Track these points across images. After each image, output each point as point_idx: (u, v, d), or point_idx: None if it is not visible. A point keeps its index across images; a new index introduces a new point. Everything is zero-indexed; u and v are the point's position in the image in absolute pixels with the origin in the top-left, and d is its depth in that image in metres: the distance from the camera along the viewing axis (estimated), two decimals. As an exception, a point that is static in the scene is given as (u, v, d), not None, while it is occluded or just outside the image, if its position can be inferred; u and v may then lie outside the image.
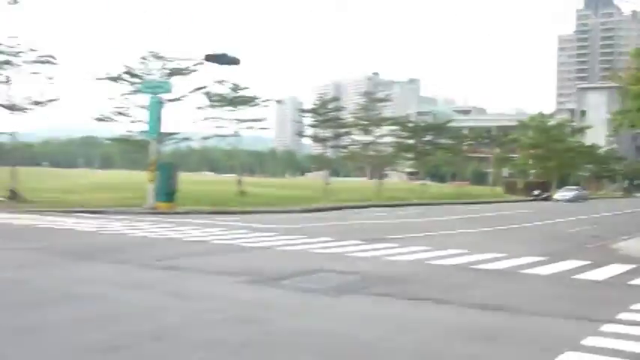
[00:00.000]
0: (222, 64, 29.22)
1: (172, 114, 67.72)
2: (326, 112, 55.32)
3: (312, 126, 56.37)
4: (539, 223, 31.40)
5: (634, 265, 14.93)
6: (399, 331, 7.83)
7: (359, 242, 17.73)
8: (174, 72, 36.85)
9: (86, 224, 21.11)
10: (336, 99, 64.99)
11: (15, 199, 30.21)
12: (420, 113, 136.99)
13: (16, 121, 32.62)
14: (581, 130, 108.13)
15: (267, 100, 45.04)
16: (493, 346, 7.26)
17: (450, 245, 17.71)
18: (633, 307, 9.64)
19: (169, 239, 17.52)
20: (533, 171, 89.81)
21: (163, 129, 35.95)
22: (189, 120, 44.62)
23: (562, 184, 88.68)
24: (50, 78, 32.64)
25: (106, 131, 52.53)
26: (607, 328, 8.14)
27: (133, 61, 37.58)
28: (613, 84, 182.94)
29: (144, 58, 37.12)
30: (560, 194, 69.92)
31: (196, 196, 39.19)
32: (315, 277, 11.55)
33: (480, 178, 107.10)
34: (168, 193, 29.95)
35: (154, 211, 28.87)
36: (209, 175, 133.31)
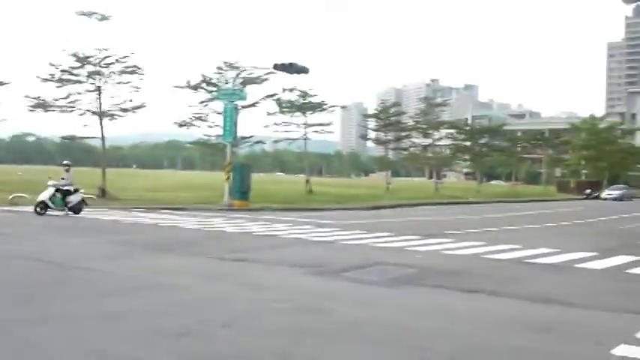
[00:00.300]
0: (291, 73, 29.29)
1: (246, 119, 68.32)
2: (387, 117, 55.12)
3: (375, 130, 56.14)
4: (591, 220, 30.39)
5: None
6: (454, 321, 7.55)
7: (416, 237, 17.40)
8: (248, 81, 37.21)
9: (168, 220, 21.43)
10: (396, 104, 64.69)
11: (104, 196, 30.96)
12: (476, 117, 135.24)
13: (107, 126, 33.51)
14: (631, 132, 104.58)
15: (333, 106, 44.99)
16: (547, 338, 6.90)
17: (504, 241, 17.20)
18: None
19: (242, 234, 17.63)
20: (584, 171, 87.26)
21: (238, 133, 36.52)
22: (261, 124, 44.95)
23: (612, 183, 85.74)
24: (137, 87, 33.49)
25: (188, 136, 53.34)
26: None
27: (209, 71, 38.21)
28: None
29: (220, 68, 37.63)
30: (607, 193, 67.75)
31: (268, 194, 39.48)
32: (374, 269, 11.33)
33: (533, 178, 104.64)
34: (242, 191, 30.31)
35: (230, 208, 29.23)
36: (280, 176, 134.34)
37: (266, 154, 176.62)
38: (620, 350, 6.30)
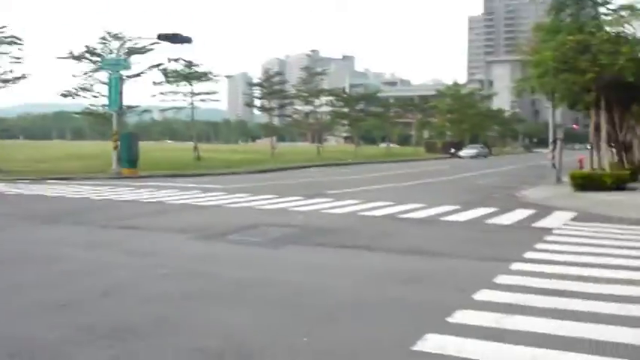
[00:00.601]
0: (175, 43, 28.14)
1: (133, 89, 65.80)
2: (271, 86, 54.48)
3: (260, 98, 55.44)
4: (454, 177, 31.44)
5: (535, 210, 14.90)
6: (334, 277, 7.43)
7: (299, 198, 17.26)
8: (132, 51, 35.42)
9: (54, 190, 20.08)
10: (279, 73, 64.23)
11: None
12: (353, 85, 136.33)
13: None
14: (489, 97, 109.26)
15: (218, 75, 43.81)
16: (417, 288, 6.92)
17: (379, 198, 17.40)
18: (537, 246, 9.48)
19: (129, 201, 16.71)
20: (449, 133, 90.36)
21: (125, 102, 34.88)
22: (148, 94, 43.09)
23: (473, 143, 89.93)
24: (17, 58, 31.08)
25: (76, 106, 50.30)
26: (516, 266, 7.92)
27: (93, 41, 36.09)
28: (515, 57, 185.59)
29: (103, 39, 35.59)
30: (464, 152, 68.40)
31: (158, 162, 38.06)
32: (258, 231, 11.05)
33: (405, 140, 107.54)
34: (130, 160, 29.04)
35: (119, 176, 27.94)
36: (170, 144, 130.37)
37: (155, 123, 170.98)
38: (481, 295, 6.41)
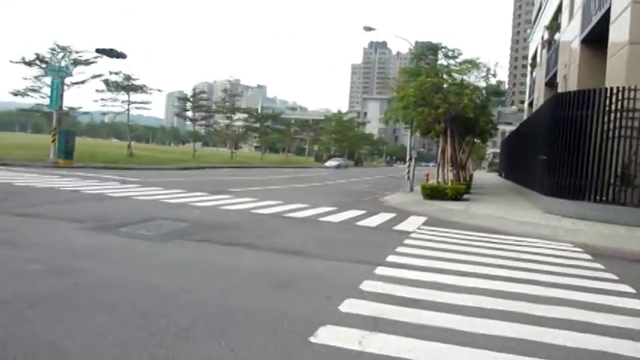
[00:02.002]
0: (111, 56, 25.09)
1: (77, 94, 60.06)
2: (197, 101, 51.44)
3: (187, 110, 52.10)
4: (333, 182, 30.39)
5: (395, 214, 13.78)
6: (207, 277, 5.63)
7: (203, 194, 15.25)
8: (77, 62, 31.64)
9: (-18, 174, 16.84)
10: (203, 92, 60.66)
11: None
12: (264, 108, 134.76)
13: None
14: (363, 124, 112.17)
15: (152, 89, 40.37)
16: (286, 294, 5.23)
17: (272, 197, 15.73)
18: (398, 249, 8.15)
19: (48, 188, 13.95)
20: (333, 148, 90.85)
21: (70, 105, 31.18)
22: (91, 99, 38.98)
23: (351, 157, 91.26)
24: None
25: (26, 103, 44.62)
26: (380, 271, 6.49)
27: (43, 50, 31.97)
28: (383, 97, 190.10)
29: (52, 49, 31.54)
30: (328, 163, 63.07)
31: (96, 155, 34.46)
32: (152, 224, 9.00)
33: (300, 152, 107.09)
34: (67, 151, 25.85)
35: (55, 166, 24.64)
36: (115, 142, 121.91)
37: (105, 125, 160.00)
38: (346, 306, 4.87)
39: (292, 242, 8.26)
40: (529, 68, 39.40)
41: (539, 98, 31.50)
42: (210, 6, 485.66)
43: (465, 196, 19.17)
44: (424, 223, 12.01)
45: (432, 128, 19.68)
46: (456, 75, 20.58)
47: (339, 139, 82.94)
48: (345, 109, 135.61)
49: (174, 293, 4.95)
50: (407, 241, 9.03)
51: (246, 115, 65.72)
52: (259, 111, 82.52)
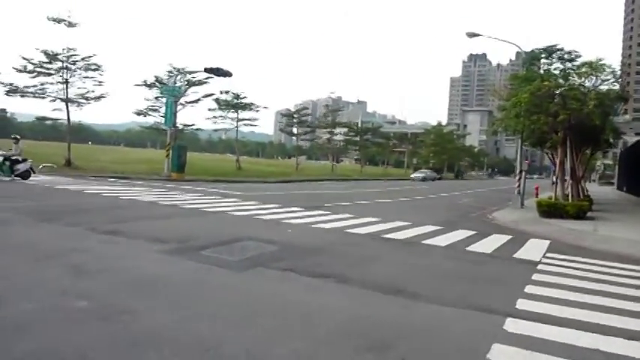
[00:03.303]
0: (217, 75, 25.12)
1: (191, 112, 62.96)
2: (299, 117, 51.47)
3: (290, 125, 52.36)
4: (436, 195, 27.94)
5: (511, 236, 11.46)
6: (281, 330, 4.15)
7: (299, 209, 13.99)
8: (191, 83, 32.62)
9: (97, 188, 17.06)
10: (305, 108, 60.82)
11: (69, 166, 26.15)
12: (364, 122, 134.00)
13: (85, 111, 28.54)
14: (463, 136, 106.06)
15: (259, 106, 40.76)
16: (384, 366, 3.63)
17: (370, 213, 14.06)
18: (528, 289, 6.09)
19: (149, 203, 13.34)
20: (432, 161, 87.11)
21: (183, 122, 32.20)
22: (204, 117, 40.23)
23: (450, 169, 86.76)
24: (100, 81, 28.41)
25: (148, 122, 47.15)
26: (511, 325, 4.60)
27: (160, 72, 33.45)
28: (483, 108, 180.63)
29: (170, 72, 32.84)
30: (414, 175, 56.29)
31: (207, 168, 35.35)
32: (238, 246, 7.76)
33: (399, 164, 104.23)
34: (179, 165, 26.33)
35: (168, 179, 25.12)
36: (229, 157, 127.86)
37: (221, 141, 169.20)
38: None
39: (391, 275, 6.54)
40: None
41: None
42: (312, 27, 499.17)
43: (589, 215, 16.03)
44: (549, 250, 9.63)
45: (548, 138, 16.76)
46: (574, 79, 17.54)
47: (438, 152, 79.23)
48: (444, 122, 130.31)
49: (233, 356, 3.50)
50: (536, 277, 6.90)
51: (346, 129, 65.13)
52: (359, 125, 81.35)
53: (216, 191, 18.58)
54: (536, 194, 29.46)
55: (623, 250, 10.23)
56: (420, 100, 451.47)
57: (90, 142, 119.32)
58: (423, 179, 53.86)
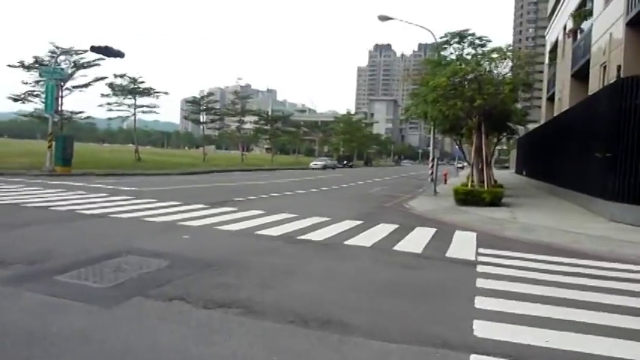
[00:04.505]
0: (107, 55, 22.04)
1: (82, 99, 57.20)
2: (205, 104, 48.47)
3: (196, 113, 49.10)
4: (348, 185, 27.23)
5: (433, 229, 10.62)
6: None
7: (203, 206, 12.16)
8: (78, 65, 28.83)
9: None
10: (212, 94, 57.70)
11: None
12: (274, 111, 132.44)
13: None
14: (371, 125, 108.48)
15: (159, 92, 37.33)
16: None
17: (283, 208, 12.63)
18: (477, 302, 5.02)
19: (11, 205, 10.83)
20: (342, 148, 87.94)
21: (71, 109, 28.45)
22: (94, 104, 36.09)
23: (359, 156, 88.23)
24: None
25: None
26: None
27: (42, 53, 29.15)
28: (389, 97, 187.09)
29: (52, 52, 28.69)
30: (313, 163, 53.93)
31: (100, 161, 31.66)
32: (113, 264, 5.88)
33: (310, 153, 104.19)
34: (64, 158, 22.98)
35: (51, 174, 21.71)
36: (131, 147, 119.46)
37: (122, 131, 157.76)
38: None
39: (314, 295, 5.12)
40: (546, 61, 35.93)
41: (564, 91, 28.12)
42: (219, 15, 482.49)
43: (504, 201, 15.92)
44: (479, 244, 8.83)
45: (463, 124, 16.40)
46: (485, 64, 17.36)
47: (348, 140, 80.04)
48: (352, 110, 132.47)
49: None
50: (480, 283, 5.87)
51: (256, 118, 63.19)
52: (269, 113, 79.58)
53: (105, 187, 16.03)
54: (445, 180, 29.98)
55: (547, 239, 9.78)
56: (329, 89, 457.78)
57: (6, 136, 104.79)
58: (324, 167, 52.60)
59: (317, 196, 18.47)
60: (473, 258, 7.50)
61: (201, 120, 48.97)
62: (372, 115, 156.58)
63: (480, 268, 6.72)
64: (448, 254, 7.75)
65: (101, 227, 8.68)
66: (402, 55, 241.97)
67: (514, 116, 17.67)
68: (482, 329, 4.24)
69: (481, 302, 5.04)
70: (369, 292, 5.36)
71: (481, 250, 8.16)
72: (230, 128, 63.17)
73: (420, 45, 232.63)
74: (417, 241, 8.86)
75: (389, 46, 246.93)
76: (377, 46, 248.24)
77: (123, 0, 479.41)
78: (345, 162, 71.50)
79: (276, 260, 6.70)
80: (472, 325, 4.31)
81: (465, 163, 65.73)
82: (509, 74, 16.19)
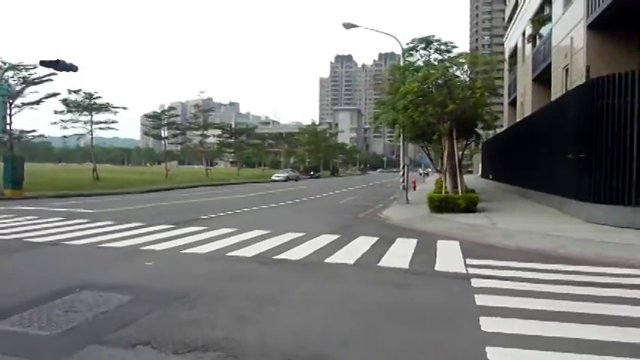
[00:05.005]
0: (59, 70, 20.61)
1: (33, 117, 54.25)
2: (166, 118, 47.03)
3: (156, 128, 47.52)
4: (318, 196, 26.65)
5: (414, 239, 10.15)
6: None
7: (168, 226, 11.31)
8: (28, 81, 27.25)
9: None
10: (173, 108, 56.26)
11: None
12: (237, 123, 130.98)
13: None
14: (335, 134, 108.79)
15: (117, 107, 35.74)
16: None
17: (255, 224, 11.91)
18: (484, 325, 4.50)
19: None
20: (307, 159, 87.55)
21: (21, 128, 26.83)
22: (48, 121, 34.14)
23: (326, 166, 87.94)
24: None
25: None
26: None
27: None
28: (353, 107, 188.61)
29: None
30: (275, 175, 53.11)
31: (56, 182, 29.99)
32: (64, 303, 5.07)
33: (276, 165, 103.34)
34: (14, 181, 21.57)
35: (0, 198, 20.26)
36: (89, 165, 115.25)
37: (80, 149, 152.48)
38: None
39: (301, 329, 4.48)
40: (506, 66, 36.63)
41: (526, 95, 28.59)
42: (178, 28, 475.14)
43: (479, 207, 15.69)
44: (465, 254, 8.40)
45: (434, 130, 16.13)
46: (452, 70, 17.24)
47: (313, 150, 79.64)
48: (316, 121, 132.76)
49: None
50: (480, 300, 5.37)
51: (219, 131, 61.89)
52: (233, 126, 78.42)
53: (59, 210, 14.86)
54: (414, 187, 29.87)
55: (531, 245, 9.46)
56: (291, 100, 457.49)
57: None
58: (286, 179, 51.60)
59: (288, 209, 17.80)
60: (463, 270, 7.03)
61: (163, 135, 47.39)
62: (337, 124, 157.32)
63: (474, 283, 6.24)
64: (437, 267, 7.25)
65: (52, 257, 7.76)
66: (364, 65, 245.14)
67: (482, 121, 17.57)
68: (497, 358, 3.71)
69: (487, 324, 4.53)
70: (361, 319, 4.77)
71: (469, 261, 7.71)
72: (193, 143, 61.55)
73: (380, 55, 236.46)
74: (400, 254, 8.34)
75: (350, 56, 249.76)
76: (338, 57, 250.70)
77: (79, 11, 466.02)
78: (312, 172, 71.09)
79: (252, 287, 6.01)
80: (486, 355, 3.78)
81: (430, 169, 66.56)
82: (477, 79, 16.05)
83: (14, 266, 7.02)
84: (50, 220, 12.48)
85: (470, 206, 14.85)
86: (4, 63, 26.49)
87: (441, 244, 9.48)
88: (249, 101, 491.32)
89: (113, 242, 8.97)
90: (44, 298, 5.21)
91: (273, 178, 51.78)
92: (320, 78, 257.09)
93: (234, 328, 4.38)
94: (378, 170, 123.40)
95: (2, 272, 6.59)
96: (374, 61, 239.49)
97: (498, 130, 33.51)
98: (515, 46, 33.69)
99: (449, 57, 17.95)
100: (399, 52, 19.54)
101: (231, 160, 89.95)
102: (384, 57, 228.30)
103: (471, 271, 7.00)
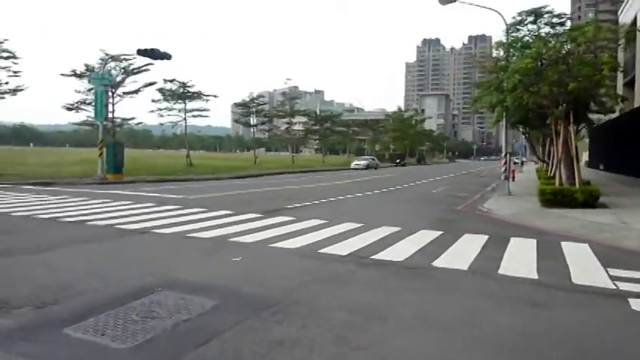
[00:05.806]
0: (154, 58, 21.26)
1: (133, 105, 57.52)
2: (255, 106, 47.75)
3: (245, 116, 48.42)
4: (408, 185, 25.22)
5: (532, 239, 8.67)
6: None
7: (256, 216, 10.76)
8: (128, 71, 28.56)
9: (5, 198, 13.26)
10: (261, 96, 57.06)
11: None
12: (322, 111, 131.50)
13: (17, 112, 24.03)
14: (422, 121, 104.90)
15: (209, 95, 36.63)
16: None
17: (344, 216, 11.01)
18: None
19: (44, 220, 9.87)
20: (392, 147, 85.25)
21: (122, 116, 28.29)
22: (146, 110, 35.88)
23: (412, 154, 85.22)
24: (15, 72, 24.03)
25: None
26: None
27: (93, 61, 29.10)
28: (440, 92, 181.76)
29: (102, 59, 28.50)
30: (355, 163, 49.88)
31: (152, 167, 31.37)
32: (142, 306, 4.46)
33: (360, 152, 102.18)
34: (115, 166, 22.68)
35: (103, 181, 21.35)
36: (184, 152, 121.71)
37: (176, 136, 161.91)
38: None
39: None
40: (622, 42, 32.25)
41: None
42: (265, 18, 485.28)
43: (600, 201, 13.56)
44: (601, 261, 6.85)
45: (547, 113, 14.07)
46: (568, 45, 14.98)
47: (399, 137, 77.30)
48: (402, 107, 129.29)
49: None
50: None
51: (305, 119, 62.05)
52: (318, 113, 78.46)
53: (153, 196, 15.03)
54: (513, 177, 27.40)
55: (687, 252, 7.62)
56: (376, 87, 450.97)
57: (32, 144, 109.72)
58: (366, 167, 48.57)
59: (377, 199, 16.74)
60: (611, 285, 5.59)
61: (251, 122, 48.16)
62: (423, 110, 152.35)
63: (634, 305, 4.83)
64: (575, 280, 5.85)
65: (138, 248, 7.42)
66: (452, 48, 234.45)
67: (599, 104, 15.14)
68: None
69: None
70: (496, 352, 3.64)
71: (613, 272, 6.21)
72: (280, 130, 62.25)
73: (470, 37, 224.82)
74: (522, 259, 6.99)
75: (437, 40, 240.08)
76: (425, 41, 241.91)
77: (172, 7, 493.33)
78: (397, 160, 69.03)
79: (351, 294, 5.08)
80: None
81: (524, 159, 61.57)
82: (602, 54, 13.74)
83: (99, 258, 6.70)
84: (144, 205, 12.50)
85: (589, 201, 12.84)
86: (107, 55, 27.88)
87: (567, 247, 7.95)
88: (334, 89, 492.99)
89: (201, 232, 8.51)
90: (122, 299, 4.67)
91: (352, 166, 49.11)
92: (406, 63, 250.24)
93: (334, 354, 3.47)
94: (472, 158, 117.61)
95: (86, 264, 6.27)
96: (463, 44, 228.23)
97: (612, 116, 29.70)
98: (635, 18, 29.45)
99: (563, 30, 15.72)
100: (492, 32, 17.52)
101: (315, 147, 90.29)
102: (474, 39, 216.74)
103: (622, 286, 5.54)
